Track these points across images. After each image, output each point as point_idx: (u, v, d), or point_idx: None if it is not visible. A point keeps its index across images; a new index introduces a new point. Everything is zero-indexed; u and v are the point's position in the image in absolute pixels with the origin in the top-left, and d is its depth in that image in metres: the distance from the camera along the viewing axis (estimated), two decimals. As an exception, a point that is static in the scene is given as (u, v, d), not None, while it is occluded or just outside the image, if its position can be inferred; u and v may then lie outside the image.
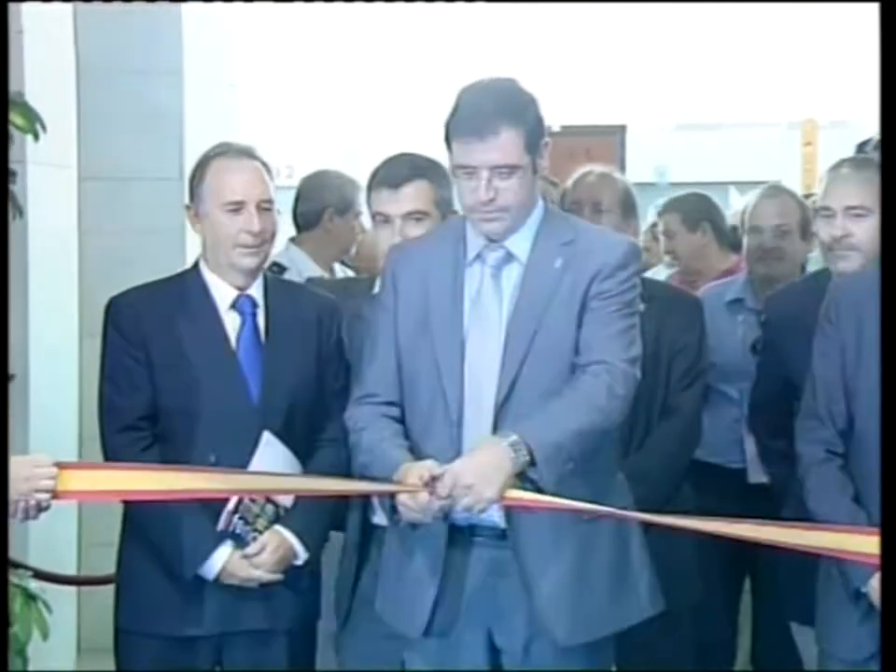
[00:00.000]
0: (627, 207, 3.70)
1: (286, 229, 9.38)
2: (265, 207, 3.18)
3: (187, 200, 3.25)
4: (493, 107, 2.76)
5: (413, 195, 3.16)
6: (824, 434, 2.92)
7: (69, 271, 4.72)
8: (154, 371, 3.15)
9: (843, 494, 2.88)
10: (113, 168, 4.77)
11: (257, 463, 3.14)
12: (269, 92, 9.85)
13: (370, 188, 3.24)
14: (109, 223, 4.79)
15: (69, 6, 4.61)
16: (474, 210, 2.82)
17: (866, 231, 3.13)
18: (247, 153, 3.23)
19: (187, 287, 3.23)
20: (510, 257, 2.86)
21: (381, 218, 3.19)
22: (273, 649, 3.20)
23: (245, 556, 3.12)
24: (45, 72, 4.46)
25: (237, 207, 3.15)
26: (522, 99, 2.82)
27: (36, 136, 3.67)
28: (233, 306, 3.21)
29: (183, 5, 4.79)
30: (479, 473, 2.62)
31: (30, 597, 3.49)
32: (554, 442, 2.67)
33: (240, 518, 3.14)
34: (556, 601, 2.80)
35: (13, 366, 4.33)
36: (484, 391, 2.80)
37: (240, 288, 3.21)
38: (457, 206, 3.15)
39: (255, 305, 3.22)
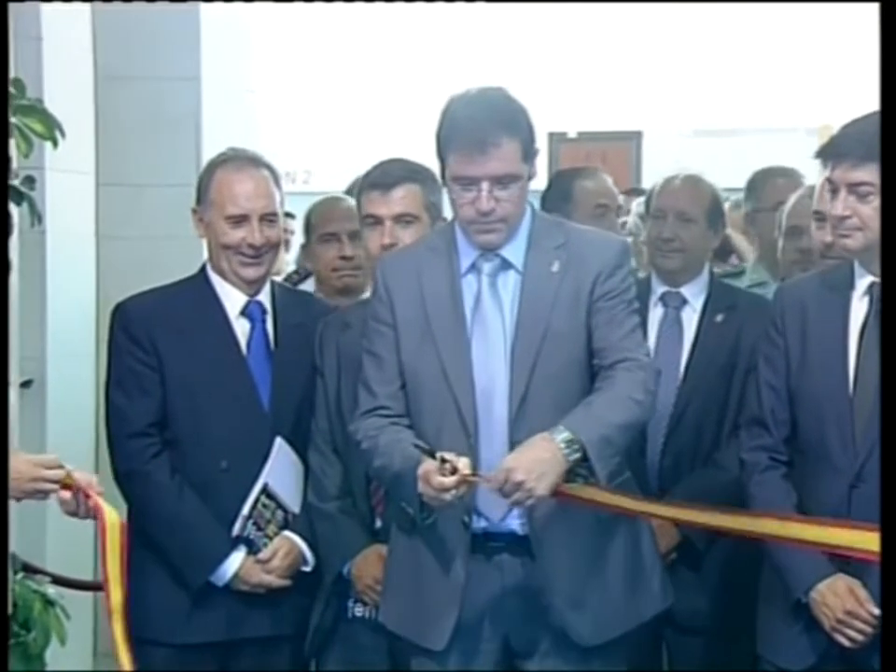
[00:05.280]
0: (713, 216, 3.61)
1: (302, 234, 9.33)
2: (269, 219, 3.18)
3: (194, 204, 3.26)
4: (492, 119, 2.76)
5: (404, 197, 3.16)
6: (768, 441, 2.93)
7: (87, 276, 4.74)
8: (164, 377, 3.15)
9: (785, 502, 2.88)
10: (131, 174, 4.78)
11: (270, 469, 3.14)
12: (288, 98, 9.85)
13: (360, 190, 3.23)
14: (127, 229, 4.80)
15: (87, 13, 4.63)
16: (473, 222, 2.81)
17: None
18: (254, 161, 3.22)
19: (196, 292, 3.23)
20: (505, 264, 2.86)
21: (371, 220, 3.18)
22: (277, 655, 3.21)
23: (259, 562, 3.13)
24: (63, 79, 4.48)
25: (239, 220, 3.15)
26: (516, 108, 2.82)
27: (55, 143, 3.68)
28: (243, 312, 3.22)
29: (202, 11, 4.80)
30: (530, 469, 2.61)
31: (48, 603, 3.50)
32: (604, 437, 2.68)
33: (253, 523, 3.14)
34: (576, 602, 2.82)
35: (31, 371, 4.37)
36: (494, 400, 2.80)
37: (248, 295, 3.22)
38: (447, 213, 3.17)
39: (264, 312, 3.23)
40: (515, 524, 2.83)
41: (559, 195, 4.28)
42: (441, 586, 2.86)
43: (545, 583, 2.82)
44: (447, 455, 2.67)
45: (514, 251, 2.87)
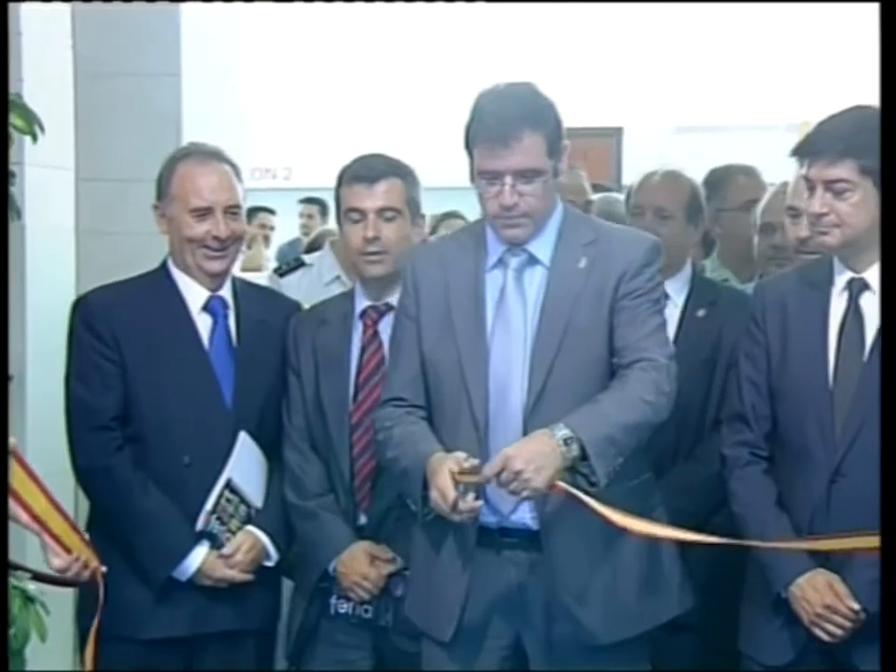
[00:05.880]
0: (691, 210, 3.60)
1: (282, 230, 9.35)
2: (232, 212, 3.19)
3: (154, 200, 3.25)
4: (515, 113, 2.77)
5: (387, 192, 3.17)
6: (749, 437, 2.94)
7: (67, 272, 4.72)
8: (126, 371, 3.15)
9: (766, 497, 2.90)
10: (111, 170, 4.76)
11: (234, 464, 3.14)
12: (268, 95, 9.84)
13: (341, 183, 3.23)
14: (107, 225, 4.78)
15: (67, 8, 4.61)
16: (497, 216, 2.83)
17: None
18: (215, 155, 3.23)
19: (158, 287, 3.23)
20: (532, 260, 2.87)
21: (354, 214, 3.19)
22: (242, 649, 3.22)
23: (222, 556, 3.13)
24: (43, 73, 4.46)
25: (204, 213, 3.15)
26: (542, 103, 2.84)
27: (35, 138, 3.67)
28: (205, 308, 3.21)
29: (182, 7, 4.79)
30: (529, 461, 2.62)
31: (28, 599, 3.49)
32: (606, 436, 2.68)
33: (216, 518, 3.14)
34: (588, 600, 2.82)
35: (11, 366, 4.35)
36: (510, 394, 2.81)
37: (210, 290, 3.21)
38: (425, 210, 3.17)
39: (226, 307, 3.23)
40: (528, 518, 2.84)
41: None
42: (450, 578, 2.88)
43: (556, 580, 2.83)
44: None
45: (542, 246, 2.88)
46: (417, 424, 2.89)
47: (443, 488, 2.67)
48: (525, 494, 2.66)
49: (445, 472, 2.68)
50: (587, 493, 2.68)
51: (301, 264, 4.34)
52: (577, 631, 2.83)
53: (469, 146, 2.85)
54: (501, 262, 2.89)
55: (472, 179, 2.88)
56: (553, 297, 2.84)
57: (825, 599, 2.78)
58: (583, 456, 2.68)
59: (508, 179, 2.78)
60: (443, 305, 2.89)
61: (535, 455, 2.63)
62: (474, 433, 2.81)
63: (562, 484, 2.67)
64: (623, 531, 2.69)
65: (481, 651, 2.89)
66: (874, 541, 2.52)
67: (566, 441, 2.66)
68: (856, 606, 2.77)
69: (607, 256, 2.86)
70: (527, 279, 2.87)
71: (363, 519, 3.21)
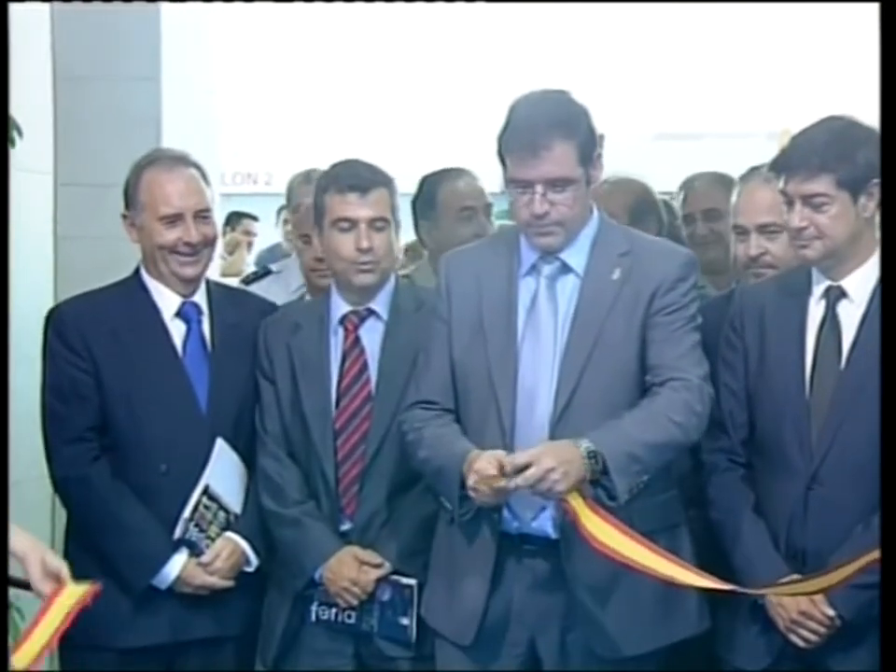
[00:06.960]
0: (637, 214, 3.60)
1: (262, 235, 9.33)
2: (203, 216, 3.17)
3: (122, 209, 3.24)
4: (545, 121, 2.76)
5: (378, 201, 3.15)
6: (727, 443, 2.96)
7: (45, 277, 4.70)
8: (101, 381, 3.13)
9: (744, 504, 2.91)
10: (90, 174, 4.75)
11: (211, 470, 3.13)
12: (249, 99, 9.83)
13: (326, 191, 3.19)
14: (86, 230, 4.76)
15: (46, 13, 4.60)
16: (529, 224, 2.82)
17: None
18: (181, 160, 3.21)
19: (130, 295, 3.21)
20: (565, 268, 2.86)
21: (344, 224, 3.16)
22: (222, 655, 3.20)
23: (201, 564, 3.12)
24: (21, 77, 4.44)
25: (174, 219, 3.13)
26: (574, 111, 2.83)
27: (13, 142, 3.66)
28: (178, 314, 3.20)
29: (162, 11, 4.78)
30: (561, 461, 2.60)
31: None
32: (627, 452, 2.67)
33: (195, 525, 3.13)
34: (604, 613, 2.80)
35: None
36: (538, 403, 2.80)
37: (183, 296, 3.20)
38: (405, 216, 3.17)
39: (200, 312, 3.21)
40: (548, 526, 2.83)
41: (424, 201, 4.13)
42: (471, 583, 2.87)
43: (572, 590, 2.82)
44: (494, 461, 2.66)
45: (575, 255, 2.87)
46: (448, 426, 2.88)
47: (483, 469, 2.65)
48: (548, 495, 2.64)
49: (483, 462, 2.66)
50: (606, 507, 2.67)
51: (267, 272, 4.33)
52: (591, 642, 2.82)
53: (500, 153, 2.84)
54: (534, 270, 2.89)
55: (506, 186, 2.87)
56: (585, 307, 2.83)
57: (801, 605, 2.79)
58: (605, 471, 2.66)
59: (538, 188, 2.78)
60: (475, 311, 2.89)
61: (564, 459, 2.63)
62: (500, 440, 2.79)
63: (571, 501, 2.65)
64: (621, 565, 2.64)
65: (497, 656, 2.89)
66: (871, 556, 2.50)
67: (589, 454, 2.65)
68: (831, 612, 2.78)
69: (641, 268, 2.85)
70: (560, 288, 2.87)
71: (346, 524, 3.20)
